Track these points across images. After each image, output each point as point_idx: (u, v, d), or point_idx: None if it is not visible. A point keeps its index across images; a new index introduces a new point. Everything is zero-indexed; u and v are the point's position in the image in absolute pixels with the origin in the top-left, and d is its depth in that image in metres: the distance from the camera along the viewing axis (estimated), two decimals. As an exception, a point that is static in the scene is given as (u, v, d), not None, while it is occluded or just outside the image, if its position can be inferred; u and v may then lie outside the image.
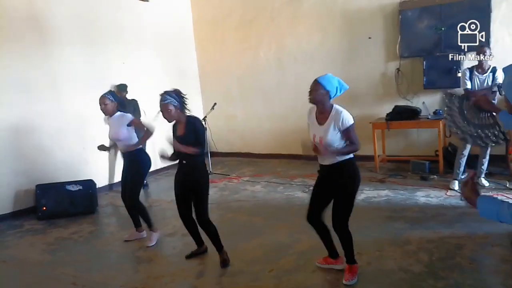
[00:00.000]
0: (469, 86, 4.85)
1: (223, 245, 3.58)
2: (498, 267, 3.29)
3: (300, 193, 5.44)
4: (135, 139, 4.12)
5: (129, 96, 6.29)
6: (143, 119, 6.11)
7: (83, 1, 6.19)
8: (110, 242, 4.38)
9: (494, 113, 4.69)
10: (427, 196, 4.94)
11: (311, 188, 3.35)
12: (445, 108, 5.14)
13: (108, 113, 4.09)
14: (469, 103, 4.84)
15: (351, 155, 2.97)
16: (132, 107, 5.95)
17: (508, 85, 1.53)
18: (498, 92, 4.78)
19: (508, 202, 1.54)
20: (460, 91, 5.12)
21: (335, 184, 2.98)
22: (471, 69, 4.94)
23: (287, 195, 5.51)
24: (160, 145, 3.67)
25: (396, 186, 5.43)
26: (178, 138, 3.42)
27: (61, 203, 5.32)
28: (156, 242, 4.20)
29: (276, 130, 7.67)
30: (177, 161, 3.52)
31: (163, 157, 3.49)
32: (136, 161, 4.10)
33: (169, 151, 3.53)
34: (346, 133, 2.89)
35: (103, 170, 6.44)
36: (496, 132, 4.75)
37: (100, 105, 4.04)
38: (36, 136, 5.61)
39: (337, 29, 6.85)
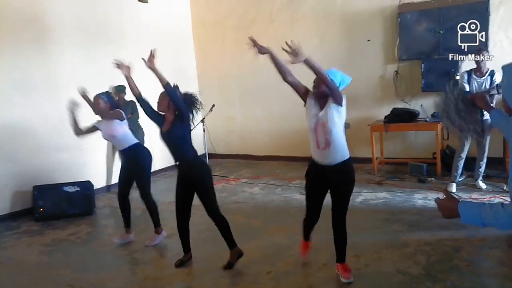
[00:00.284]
0: (467, 89, 4.86)
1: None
2: (495, 270, 3.31)
3: (298, 195, 5.43)
4: (130, 136, 4.11)
5: (127, 97, 6.27)
6: (142, 120, 6.11)
7: (83, 2, 6.19)
8: (108, 244, 4.36)
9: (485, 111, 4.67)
10: (425, 198, 4.95)
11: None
12: (443, 93, 5.11)
13: (99, 113, 4.09)
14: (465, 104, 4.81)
15: (348, 156, 3.04)
16: (130, 108, 5.93)
17: (507, 87, 1.54)
18: (496, 92, 4.76)
19: (489, 203, 1.52)
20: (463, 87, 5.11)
21: (335, 183, 3.01)
22: (469, 72, 4.95)
23: (285, 197, 5.51)
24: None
25: (394, 188, 5.43)
26: (167, 131, 3.46)
27: (58, 205, 5.30)
28: (156, 242, 4.19)
29: (275, 132, 7.67)
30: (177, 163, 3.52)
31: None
32: (135, 155, 4.09)
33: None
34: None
35: (101, 172, 6.42)
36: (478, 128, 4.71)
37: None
38: (33, 137, 5.58)
39: (336, 32, 6.87)
